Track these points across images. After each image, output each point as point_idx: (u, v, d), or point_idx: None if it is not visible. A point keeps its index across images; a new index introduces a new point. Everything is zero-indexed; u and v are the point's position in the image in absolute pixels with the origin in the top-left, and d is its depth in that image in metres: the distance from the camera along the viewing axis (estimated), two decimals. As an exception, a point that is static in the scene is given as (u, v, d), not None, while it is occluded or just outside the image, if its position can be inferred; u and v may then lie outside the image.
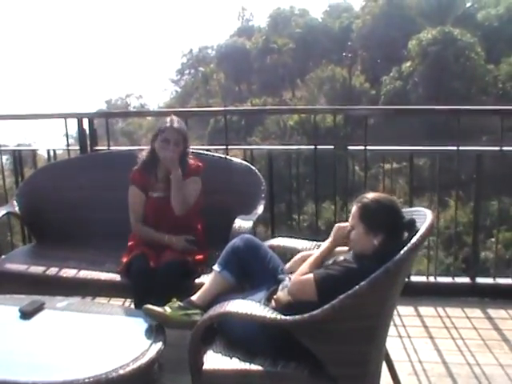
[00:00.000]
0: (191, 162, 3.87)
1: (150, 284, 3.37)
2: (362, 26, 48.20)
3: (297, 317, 2.48)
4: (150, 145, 3.89)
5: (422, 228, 2.57)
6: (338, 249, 2.98)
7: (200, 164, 3.90)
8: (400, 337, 3.94)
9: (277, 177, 4.87)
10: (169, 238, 3.69)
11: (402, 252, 2.45)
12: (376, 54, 45.10)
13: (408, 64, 39.90)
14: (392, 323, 3.87)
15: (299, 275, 2.78)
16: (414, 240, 2.50)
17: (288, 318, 2.50)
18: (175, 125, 3.78)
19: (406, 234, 2.69)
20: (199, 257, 3.67)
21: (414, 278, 4.66)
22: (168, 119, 3.82)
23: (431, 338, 3.94)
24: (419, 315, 4.25)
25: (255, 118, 37.64)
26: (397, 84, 39.67)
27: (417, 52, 39.41)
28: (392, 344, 3.56)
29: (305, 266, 2.84)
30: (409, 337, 3.95)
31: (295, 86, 48.76)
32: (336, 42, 50.45)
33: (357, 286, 2.39)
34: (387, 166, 5.30)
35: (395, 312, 4.14)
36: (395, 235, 2.71)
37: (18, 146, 8.72)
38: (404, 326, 4.09)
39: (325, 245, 2.98)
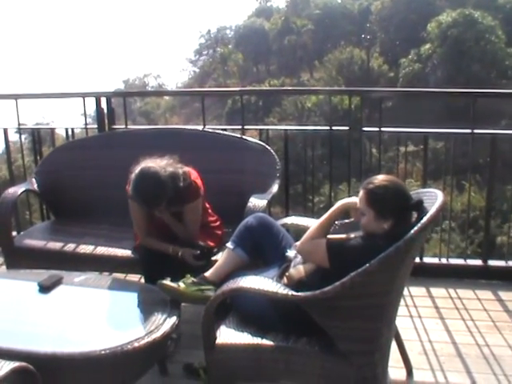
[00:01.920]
0: (188, 178, 3.56)
1: (160, 264, 3.40)
2: (381, 7, 47.81)
3: (308, 293, 2.54)
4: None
5: (433, 208, 2.61)
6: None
7: (197, 182, 3.61)
8: (411, 317, 3.98)
9: (294, 158, 4.90)
10: (173, 249, 3.49)
11: (411, 231, 2.49)
12: (395, 36, 44.79)
13: (427, 46, 39.59)
14: (403, 303, 3.95)
15: (309, 237, 2.87)
16: (423, 220, 2.55)
17: (299, 293, 2.56)
18: (142, 202, 3.47)
19: (415, 215, 2.73)
20: (211, 243, 3.67)
21: (426, 260, 4.68)
22: (132, 186, 3.45)
23: (442, 318, 3.98)
24: (430, 296, 4.29)
25: (273, 100, 37.63)
26: (415, 66, 39.41)
27: (436, 34, 39.07)
28: (403, 324, 3.61)
29: (313, 229, 2.92)
30: (420, 317, 3.99)
31: (313, 68, 48.56)
32: (355, 24, 50.19)
33: (367, 264, 2.43)
34: (404, 149, 5.31)
35: (407, 292, 4.20)
36: (404, 217, 2.75)
37: (37, 124, 8.78)
38: (415, 306, 4.13)
39: (331, 210, 3.03)
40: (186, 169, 3.58)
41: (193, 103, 48.08)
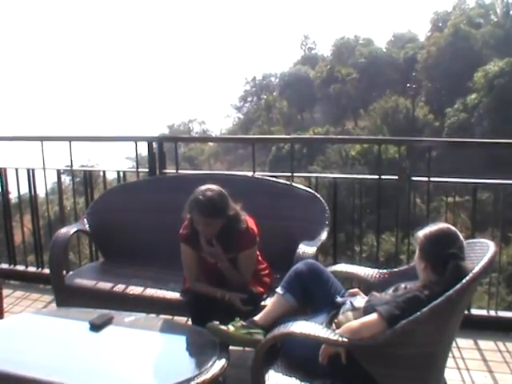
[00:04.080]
0: (244, 225, 3.59)
1: (208, 307, 3.42)
2: (427, 56, 47.95)
3: (358, 339, 2.55)
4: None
5: (485, 258, 2.61)
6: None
7: (254, 229, 3.63)
8: (458, 369, 3.92)
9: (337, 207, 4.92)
10: (221, 293, 3.49)
11: (463, 281, 2.49)
12: (440, 86, 44.77)
13: (473, 96, 39.45)
14: (451, 355, 3.88)
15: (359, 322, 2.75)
16: (476, 269, 2.55)
17: (350, 339, 2.57)
18: (199, 206, 3.47)
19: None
20: (261, 289, 3.69)
21: (474, 311, 4.62)
22: (194, 196, 3.51)
23: (490, 371, 3.90)
24: (478, 348, 4.22)
25: (317, 147, 37.73)
26: (461, 116, 39.24)
27: (482, 84, 38.94)
28: (450, 376, 3.57)
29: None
30: (467, 369, 3.92)
31: (358, 116, 48.76)
32: (400, 73, 50.35)
33: (418, 313, 2.44)
34: (449, 200, 5.29)
35: (454, 344, 4.13)
36: (437, 264, 2.78)
37: (82, 167, 8.98)
38: (463, 358, 4.07)
39: None
40: (245, 214, 3.62)
41: (236, 150, 48.54)
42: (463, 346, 4.20)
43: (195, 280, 3.67)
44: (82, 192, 5.54)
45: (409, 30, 61.45)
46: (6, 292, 4.93)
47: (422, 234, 2.90)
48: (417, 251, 2.90)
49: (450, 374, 3.53)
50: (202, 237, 3.56)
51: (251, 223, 3.64)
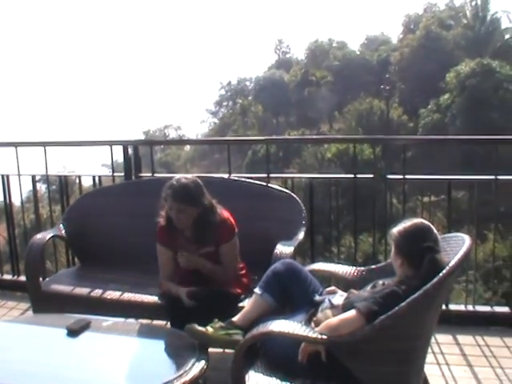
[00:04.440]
0: (221, 217, 3.63)
1: (186, 309, 3.39)
2: (400, 58, 48.27)
3: (337, 336, 2.55)
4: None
5: (460, 251, 2.63)
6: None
7: (231, 220, 3.66)
8: (438, 364, 3.94)
9: (314, 209, 4.92)
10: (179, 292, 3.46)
11: (440, 274, 2.51)
12: (414, 87, 45.03)
13: (446, 96, 39.74)
14: (430, 350, 3.91)
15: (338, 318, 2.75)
16: (452, 262, 2.56)
17: (329, 336, 2.57)
18: (173, 192, 3.52)
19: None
20: (238, 290, 3.68)
21: (452, 307, 4.64)
22: (169, 183, 3.58)
23: (470, 366, 3.93)
24: (458, 343, 4.24)
25: (292, 151, 37.78)
26: (434, 117, 39.50)
27: (455, 84, 39.25)
28: (430, 371, 3.58)
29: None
30: (447, 364, 3.94)
31: (333, 119, 48.90)
32: (374, 75, 50.59)
33: (396, 308, 2.44)
34: (425, 200, 5.32)
35: (434, 340, 4.15)
36: (413, 259, 2.80)
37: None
38: (442, 353, 4.09)
39: None
40: (221, 208, 3.64)
41: (212, 154, 48.41)
42: (442, 341, 4.23)
43: (167, 279, 3.66)
44: (59, 200, 5.48)
45: (382, 33, 61.89)
46: (-20, 301, 4.89)
47: (396, 230, 2.92)
48: (392, 248, 2.91)
49: (429, 369, 3.54)
50: (177, 224, 3.56)
51: (228, 215, 3.65)
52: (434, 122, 39.01)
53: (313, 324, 2.88)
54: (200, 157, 52.46)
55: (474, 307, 4.68)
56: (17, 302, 5.12)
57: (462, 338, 4.29)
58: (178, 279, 3.63)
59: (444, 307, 4.45)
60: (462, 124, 36.37)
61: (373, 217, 4.71)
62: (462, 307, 4.69)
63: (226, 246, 3.64)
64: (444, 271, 2.53)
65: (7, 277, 5.63)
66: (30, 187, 5.54)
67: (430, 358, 3.80)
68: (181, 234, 3.67)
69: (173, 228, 3.64)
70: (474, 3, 50.03)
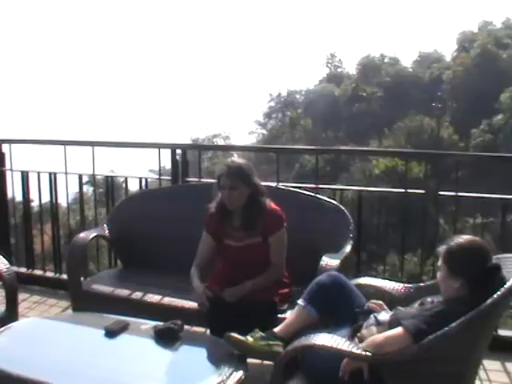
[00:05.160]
0: (271, 206, 3.69)
1: (227, 317, 3.34)
2: (453, 76, 47.74)
3: (381, 354, 2.44)
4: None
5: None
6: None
7: (279, 211, 3.70)
8: (485, 391, 3.79)
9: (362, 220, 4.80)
10: (196, 288, 3.58)
11: (494, 296, 2.39)
12: (466, 106, 44.50)
13: (499, 117, 39.18)
14: (477, 377, 3.74)
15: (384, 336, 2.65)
16: (508, 285, 2.43)
17: (374, 354, 2.46)
18: (227, 169, 3.61)
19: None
20: (284, 291, 3.63)
21: (502, 332, 4.46)
22: (223, 164, 3.70)
23: (518, 394, 3.77)
24: (506, 371, 4.07)
25: (340, 166, 37.63)
26: (486, 137, 38.96)
27: (509, 105, 38.65)
28: (476, 397, 3.43)
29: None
30: (495, 392, 3.79)
31: (382, 135, 48.55)
32: (425, 92, 50.14)
33: (447, 328, 2.33)
34: (472, 221, 5.15)
35: (481, 366, 3.98)
36: (477, 280, 2.64)
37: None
38: (489, 380, 3.92)
39: None
40: (269, 199, 3.70)
41: (260, 165, 48.45)
42: (490, 368, 4.04)
43: (197, 265, 3.73)
44: (105, 203, 5.49)
45: (435, 50, 61.21)
46: (23, 296, 4.91)
47: (448, 248, 2.77)
48: (441, 265, 2.77)
49: (476, 395, 3.39)
50: (228, 202, 3.63)
51: (276, 207, 3.69)
52: (486, 143, 38.47)
53: (357, 340, 2.78)
54: (247, 167, 52.46)
55: (524, 334, 4.49)
56: (57, 300, 5.13)
57: (510, 366, 4.11)
58: (220, 276, 3.68)
59: (493, 332, 4.29)
60: (515, 146, 35.75)
61: (421, 235, 4.58)
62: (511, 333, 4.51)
63: (274, 236, 3.64)
64: (499, 292, 2.40)
65: (49, 274, 5.65)
66: (77, 188, 5.56)
67: (476, 384, 3.65)
68: (229, 223, 3.72)
69: (222, 215, 3.71)
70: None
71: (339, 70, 64.84)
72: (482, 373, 3.95)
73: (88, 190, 8.68)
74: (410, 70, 57.30)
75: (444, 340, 2.34)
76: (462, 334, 2.36)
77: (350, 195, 6.90)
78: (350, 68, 61.06)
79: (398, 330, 2.56)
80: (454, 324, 2.33)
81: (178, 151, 5.10)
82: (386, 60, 58.78)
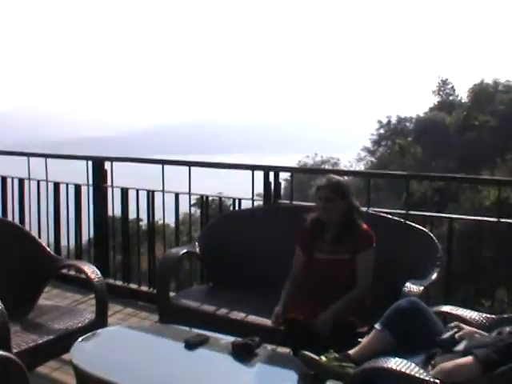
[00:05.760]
0: (363, 226, 3.82)
1: (307, 338, 3.41)
2: None
3: (450, 382, 2.40)
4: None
5: None
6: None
7: (371, 232, 3.82)
8: None
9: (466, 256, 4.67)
10: (277, 310, 3.70)
11: None
12: None
13: None
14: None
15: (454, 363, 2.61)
16: None
17: (441, 382, 2.42)
18: (326, 182, 3.82)
19: None
20: (365, 314, 3.61)
21: None
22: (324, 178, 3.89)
23: None
24: None
25: (450, 195, 36.71)
26: None
27: None
28: None
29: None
30: None
31: (494, 166, 47.06)
32: (542, 121, 48.22)
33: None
34: None
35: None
36: None
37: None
38: None
39: None
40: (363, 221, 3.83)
41: (365, 193, 47.96)
42: None
43: (291, 279, 3.87)
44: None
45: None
46: (117, 308, 5.12)
47: None
48: None
49: None
50: (324, 215, 3.80)
51: (368, 228, 3.79)
52: None
53: (430, 367, 2.73)
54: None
55: None
56: (150, 314, 5.30)
57: None
58: (305, 288, 3.78)
59: None
60: None
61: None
62: None
63: (363, 254, 3.73)
64: None
65: (144, 288, 5.85)
66: (185, 209, 5.75)
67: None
68: (320, 237, 3.85)
69: (315, 228, 3.88)
70: None
71: (451, 97, 63.45)
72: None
73: (196, 211, 8.91)
74: (527, 97, 55.26)
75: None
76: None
77: (458, 226, 6.75)
78: (462, 94, 59.41)
79: (469, 358, 2.51)
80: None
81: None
82: (499, 87, 56.99)
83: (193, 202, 5.79)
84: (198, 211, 6.86)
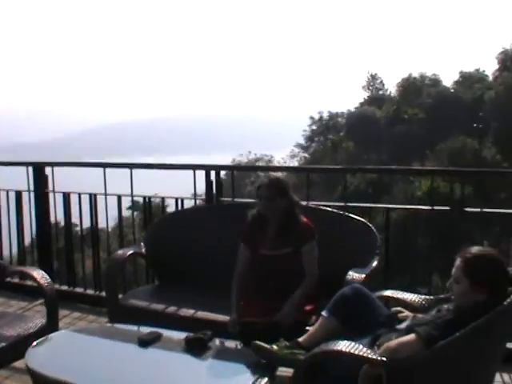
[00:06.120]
0: (303, 219, 3.94)
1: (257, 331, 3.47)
2: (495, 96, 47.11)
3: (396, 359, 2.55)
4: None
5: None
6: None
7: (311, 225, 3.94)
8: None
9: (399, 248, 4.86)
10: (232, 317, 3.73)
11: (504, 303, 2.46)
12: (509, 126, 43.85)
13: (544, 137, 38.53)
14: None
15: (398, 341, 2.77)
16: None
17: (389, 359, 2.56)
18: (267, 181, 3.95)
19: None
20: (309, 308, 3.76)
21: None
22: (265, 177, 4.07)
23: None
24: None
25: (383, 188, 37.40)
26: (531, 157, 38.34)
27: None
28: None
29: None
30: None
31: (425, 157, 48.12)
32: (468, 113, 49.56)
33: (457, 333, 2.42)
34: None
35: (499, 378, 3.98)
36: (499, 290, 2.71)
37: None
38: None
39: None
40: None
41: (301, 187, 48.40)
42: (507, 381, 4.02)
43: (238, 273, 3.96)
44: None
45: (476, 70, 60.36)
46: (64, 312, 5.10)
47: (466, 259, 2.81)
48: (459, 272, 2.82)
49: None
50: (265, 212, 3.90)
51: (308, 221, 3.91)
52: (530, 163, 37.84)
53: (376, 348, 2.88)
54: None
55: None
56: (97, 317, 5.32)
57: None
58: (253, 285, 3.86)
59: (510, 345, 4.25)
60: (560, 165, 35.16)
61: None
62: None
63: (306, 246, 3.85)
64: (509, 299, 2.49)
65: (90, 292, 5.86)
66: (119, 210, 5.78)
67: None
68: (263, 233, 3.93)
69: (257, 225, 3.97)
70: None
71: (380, 92, 64.45)
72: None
73: (138, 214, 8.90)
74: (452, 90, 56.67)
75: (453, 347, 2.42)
76: (470, 341, 2.44)
77: (394, 215, 6.95)
78: (391, 89, 60.36)
79: (411, 336, 2.67)
80: (462, 331, 2.42)
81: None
82: (426, 81, 58.24)
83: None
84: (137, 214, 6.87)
